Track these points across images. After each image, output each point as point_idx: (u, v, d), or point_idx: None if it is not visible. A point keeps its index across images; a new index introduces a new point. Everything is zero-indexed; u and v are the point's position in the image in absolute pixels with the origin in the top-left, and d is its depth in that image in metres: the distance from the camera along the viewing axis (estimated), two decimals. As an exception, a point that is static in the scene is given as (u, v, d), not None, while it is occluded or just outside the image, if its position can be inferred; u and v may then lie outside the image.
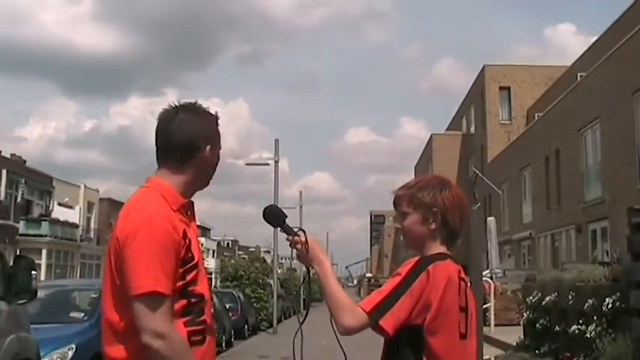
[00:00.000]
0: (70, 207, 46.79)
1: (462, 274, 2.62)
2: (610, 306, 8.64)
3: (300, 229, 2.69)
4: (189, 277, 2.59)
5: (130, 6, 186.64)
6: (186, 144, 2.68)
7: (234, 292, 25.73)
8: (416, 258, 2.57)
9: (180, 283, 2.55)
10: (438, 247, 2.64)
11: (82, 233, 47.34)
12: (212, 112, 2.81)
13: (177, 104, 2.78)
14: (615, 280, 8.91)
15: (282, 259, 47.02)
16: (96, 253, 48.08)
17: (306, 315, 2.79)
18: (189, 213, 2.76)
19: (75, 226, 46.08)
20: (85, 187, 49.59)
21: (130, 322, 2.46)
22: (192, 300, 2.60)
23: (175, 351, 2.42)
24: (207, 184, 2.85)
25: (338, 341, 2.64)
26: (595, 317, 9.10)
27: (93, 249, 48.13)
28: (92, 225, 49.99)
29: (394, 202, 2.77)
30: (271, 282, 29.54)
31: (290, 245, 2.72)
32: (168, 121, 2.72)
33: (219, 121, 2.85)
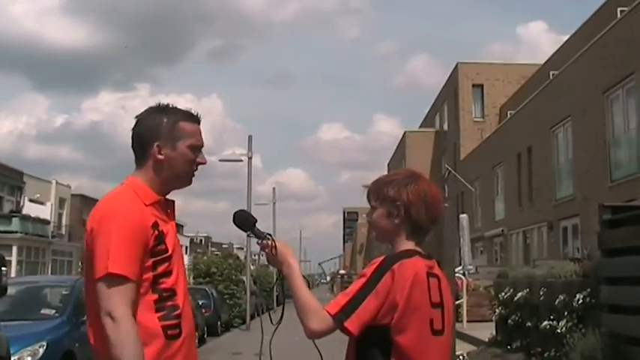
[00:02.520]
0: (42, 203, 46.29)
1: (435, 270, 2.61)
2: (580, 302, 8.73)
3: (268, 234, 2.73)
4: (160, 269, 2.65)
5: None
6: (137, 144, 2.81)
7: (207, 289, 25.65)
8: (381, 258, 2.56)
9: (150, 274, 2.61)
10: (404, 243, 2.64)
11: (53, 230, 46.88)
12: (171, 109, 2.84)
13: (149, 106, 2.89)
14: (586, 276, 9.00)
15: (255, 255, 47.07)
16: (67, 249, 47.70)
17: (282, 314, 2.80)
18: (168, 211, 2.84)
19: (46, 222, 45.62)
20: (57, 182, 49.09)
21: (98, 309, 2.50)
22: (165, 294, 2.65)
23: (122, 335, 2.40)
24: (184, 182, 2.89)
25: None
26: (566, 313, 9.18)
27: (64, 245, 47.70)
28: (64, 221, 49.52)
29: (367, 196, 2.79)
30: (244, 279, 29.50)
31: (260, 249, 2.76)
32: (134, 123, 2.85)
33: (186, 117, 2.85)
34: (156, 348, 2.57)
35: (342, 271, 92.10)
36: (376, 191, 2.72)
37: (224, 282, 29.14)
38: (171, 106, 2.86)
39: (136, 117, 2.85)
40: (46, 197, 47.31)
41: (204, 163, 2.88)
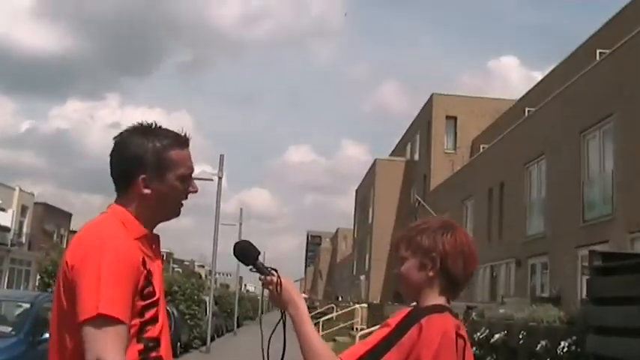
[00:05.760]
0: (3, 210, 45.44)
1: (462, 331, 2.31)
2: (565, 349, 8.46)
3: (274, 268, 2.37)
4: (147, 315, 2.26)
5: (72, 5, 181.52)
6: (118, 174, 2.39)
7: (168, 308, 24.97)
8: (408, 308, 2.29)
9: (137, 320, 2.22)
10: (436, 298, 2.33)
11: (13, 237, 45.97)
12: (157, 132, 2.41)
13: (131, 125, 2.43)
14: (571, 323, 8.75)
15: (217, 274, 46.52)
16: (27, 258, 46.72)
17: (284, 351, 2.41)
18: (153, 247, 2.42)
19: (6, 229, 44.73)
20: (20, 189, 48.23)
21: (75, 351, 2.13)
22: (150, 344, 2.27)
23: None
24: (172, 214, 2.48)
25: None
26: (548, 359, 8.92)
27: (24, 254, 46.74)
28: (25, 229, 48.62)
29: (394, 246, 2.48)
30: (206, 299, 28.99)
31: (262, 285, 2.39)
32: (113, 146, 2.41)
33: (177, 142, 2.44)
34: None
35: (303, 295, 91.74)
36: (408, 240, 2.40)
37: (186, 302, 28.55)
38: (156, 126, 2.44)
39: (115, 139, 2.41)
40: (8, 204, 46.41)
41: (195, 192, 2.48)
